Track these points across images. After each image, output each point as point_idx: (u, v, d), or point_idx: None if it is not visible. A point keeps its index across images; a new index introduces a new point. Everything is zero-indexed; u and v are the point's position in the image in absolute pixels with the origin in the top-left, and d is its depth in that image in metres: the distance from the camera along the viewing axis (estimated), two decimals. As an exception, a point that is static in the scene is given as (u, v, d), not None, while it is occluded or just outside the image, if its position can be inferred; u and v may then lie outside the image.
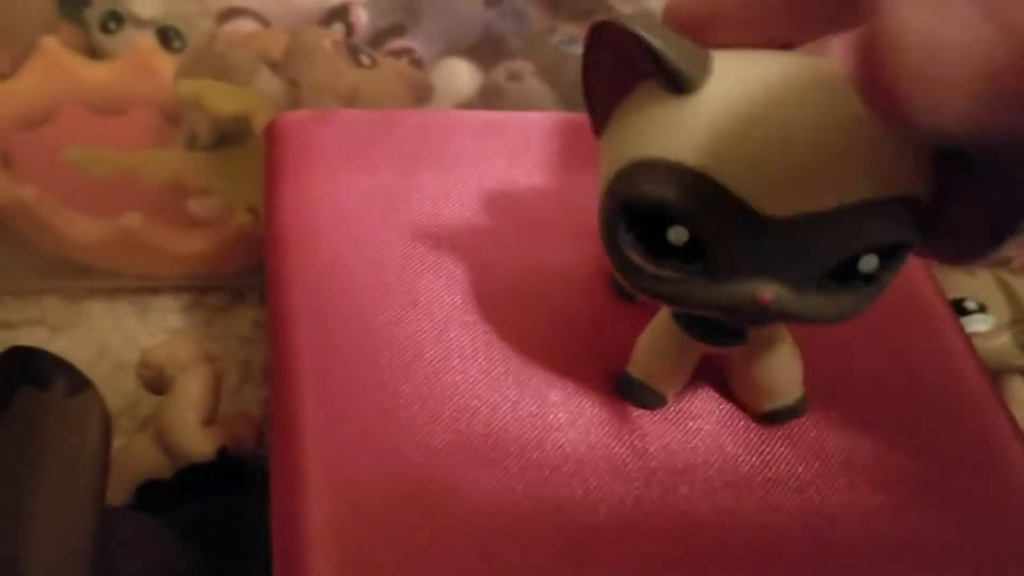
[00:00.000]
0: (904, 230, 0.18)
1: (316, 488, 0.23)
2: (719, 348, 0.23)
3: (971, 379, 0.27)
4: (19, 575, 0.23)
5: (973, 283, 0.39)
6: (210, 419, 0.32)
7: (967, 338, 0.28)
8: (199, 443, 0.31)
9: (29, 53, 0.42)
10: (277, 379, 0.26)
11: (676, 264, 0.19)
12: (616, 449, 0.24)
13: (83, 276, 0.39)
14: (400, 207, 0.29)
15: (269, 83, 0.35)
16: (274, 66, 0.37)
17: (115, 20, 0.43)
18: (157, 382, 0.32)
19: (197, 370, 0.31)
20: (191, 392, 0.31)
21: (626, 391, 0.24)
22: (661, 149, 0.18)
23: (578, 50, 0.44)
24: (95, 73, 0.42)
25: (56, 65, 0.41)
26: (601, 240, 0.20)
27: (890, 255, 0.19)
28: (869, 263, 0.18)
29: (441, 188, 0.30)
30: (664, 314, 0.23)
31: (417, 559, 0.22)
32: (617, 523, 0.22)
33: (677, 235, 0.18)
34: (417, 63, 0.41)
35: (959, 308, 0.39)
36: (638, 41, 0.18)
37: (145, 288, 0.40)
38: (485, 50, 0.45)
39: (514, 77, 0.40)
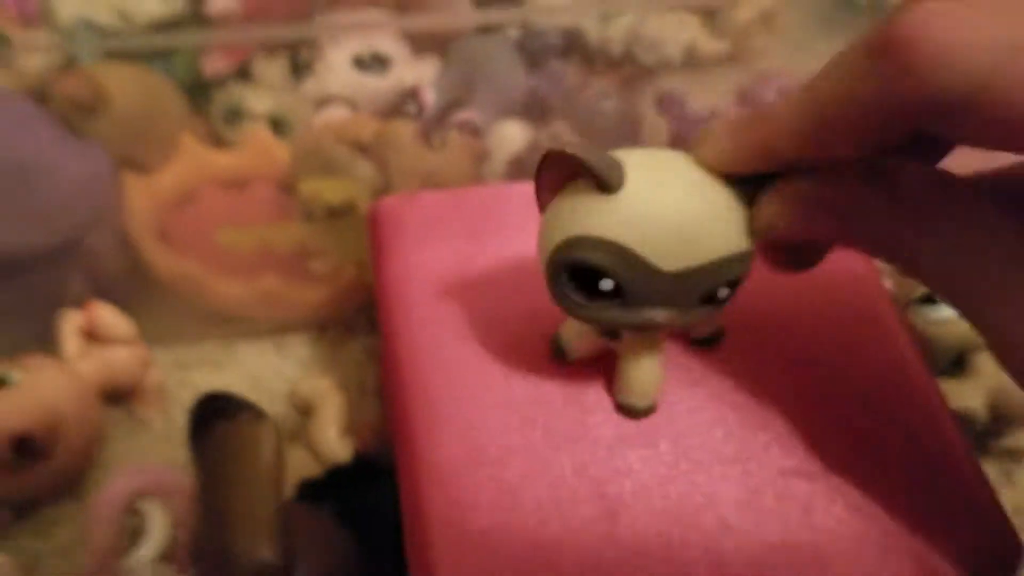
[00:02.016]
0: (743, 271, 0.27)
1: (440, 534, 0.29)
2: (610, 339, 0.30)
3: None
4: (232, 555, 0.31)
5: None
6: (345, 431, 0.40)
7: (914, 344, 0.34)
8: (339, 450, 0.39)
9: (171, 147, 0.48)
10: (397, 421, 0.32)
11: (604, 301, 0.27)
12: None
13: (233, 324, 0.47)
14: (472, 269, 0.35)
15: (364, 170, 0.44)
16: (363, 148, 0.46)
17: (235, 114, 0.51)
18: (304, 408, 0.41)
19: (332, 397, 0.40)
20: (329, 414, 0.40)
21: (555, 348, 0.32)
22: (596, 229, 0.26)
23: (608, 105, 0.52)
24: (225, 160, 0.49)
25: (195, 156, 0.49)
26: (548, 289, 0.27)
27: (733, 285, 0.28)
28: (723, 292, 0.27)
29: (500, 250, 0.36)
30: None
31: None
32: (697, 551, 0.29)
33: (606, 285, 0.26)
34: (475, 132, 0.50)
35: (928, 298, 0.44)
36: (580, 160, 0.25)
37: (281, 329, 0.48)
38: (533, 109, 0.51)
39: (554, 139, 0.48)
